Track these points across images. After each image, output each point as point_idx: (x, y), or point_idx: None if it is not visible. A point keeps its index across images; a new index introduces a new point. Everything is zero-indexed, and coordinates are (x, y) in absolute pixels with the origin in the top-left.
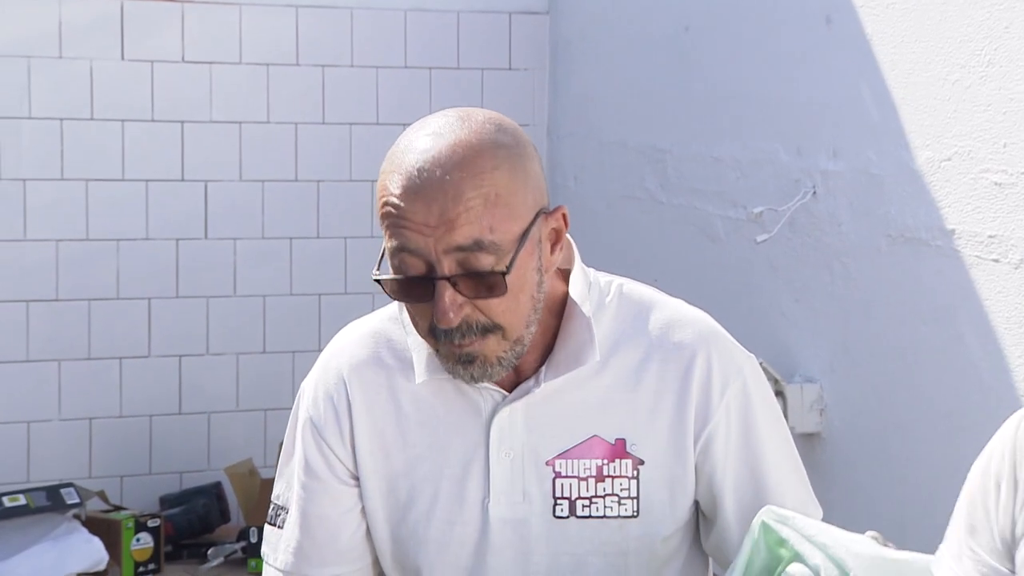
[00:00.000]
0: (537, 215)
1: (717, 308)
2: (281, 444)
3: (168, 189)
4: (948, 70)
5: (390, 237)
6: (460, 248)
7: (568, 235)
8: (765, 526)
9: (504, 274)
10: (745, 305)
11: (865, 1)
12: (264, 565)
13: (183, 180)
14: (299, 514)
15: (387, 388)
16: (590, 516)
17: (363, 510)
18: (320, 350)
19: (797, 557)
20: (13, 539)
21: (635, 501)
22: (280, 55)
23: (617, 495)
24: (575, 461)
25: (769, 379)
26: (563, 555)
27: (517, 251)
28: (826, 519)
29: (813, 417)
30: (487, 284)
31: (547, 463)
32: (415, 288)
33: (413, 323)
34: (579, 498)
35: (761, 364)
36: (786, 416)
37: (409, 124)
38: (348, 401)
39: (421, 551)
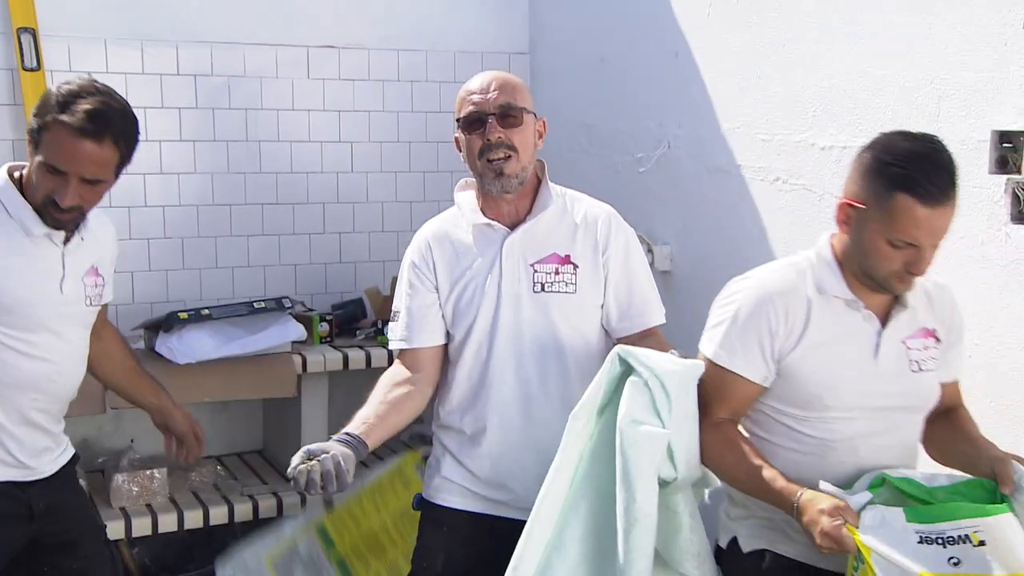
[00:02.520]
0: (533, 112)
1: (621, 209)
2: (394, 279)
3: None
4: (752, 76)
5: (469, 110)
6: (501, 106)
7: (544, 161)
8: (618, 357)
9: (521, 112)
10: (634, 206)
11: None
12: (390, 343)
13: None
14: (406, 308)
15: (449, 239)
16: (552, 292)
17: (440, 307)
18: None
19: (635, 372)
20: (259, 324)
21: (575, 285)
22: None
23: (565, 281)
24: (545, 264)
25: (644, 242)
26: (540, 315)
27: (526, 113)
28: (674, 331)
29: (667, 262)
30: (511, 120)
31: (530, 264)
32: (477, 123)
33: (472, 154)
34: (546, 282)
35: (641, 235)
36: (654, 262)
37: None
38: (430, 248)
39: (468, 313)
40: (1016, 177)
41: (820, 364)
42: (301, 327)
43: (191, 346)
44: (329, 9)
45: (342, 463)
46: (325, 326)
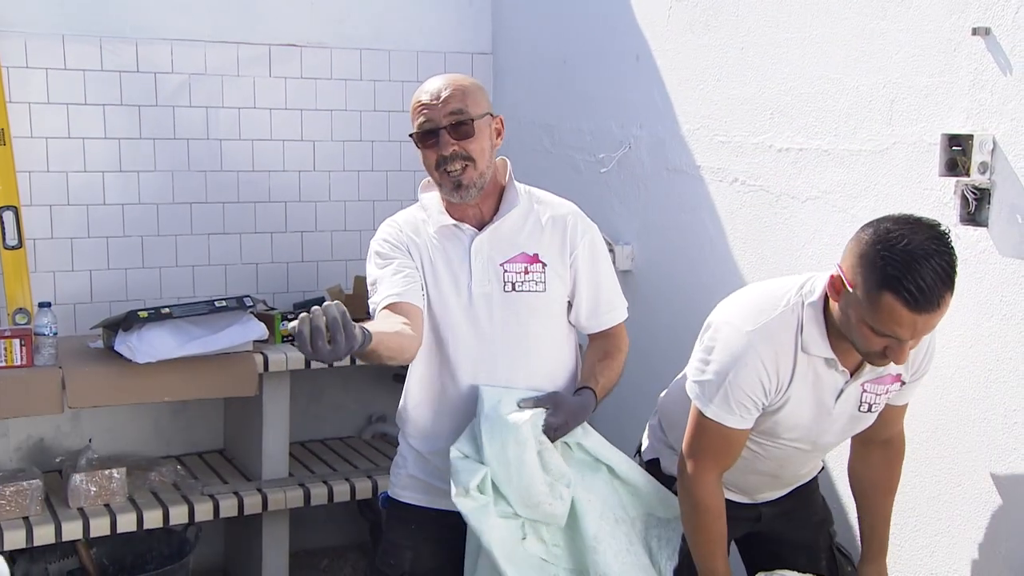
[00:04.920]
0: (488, 113)
1: (583, 208)
2: (356, 278)
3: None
4: (706, 79)
5: (420, 122)
6: (451, 112)
7: (508, 160)
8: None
9: (472, 121)
10: (596, 206)
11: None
12: (378, 305)
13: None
14: (390, 271)
15: (422, 233)
16: (523, 291)
17: (416, 271)
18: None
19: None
20: (220, 323)
21: (544, 283)
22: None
23: (535, 280)
24: (514, 263)
25: (605, 242)
26: (512, 315)
27: (479, 119)
28: (635, 329)
29: (628, 262)
30: (464, 130)
31: (500, 264)
32: (430, 136)
33: (429, 167)
34: (517, 282)
35: (604, 236)
36: (615, 261)
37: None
38: (403, 231)
39: (437, 313)
40: (965, 179)
41: (790, 410)
42: (263, 326)
43: (151, 345)
44: (291, 7)
45: (347, 314)
46: (287, 325)
